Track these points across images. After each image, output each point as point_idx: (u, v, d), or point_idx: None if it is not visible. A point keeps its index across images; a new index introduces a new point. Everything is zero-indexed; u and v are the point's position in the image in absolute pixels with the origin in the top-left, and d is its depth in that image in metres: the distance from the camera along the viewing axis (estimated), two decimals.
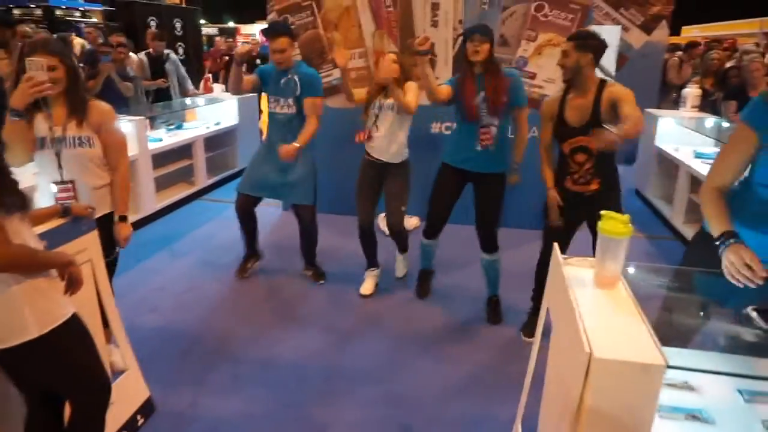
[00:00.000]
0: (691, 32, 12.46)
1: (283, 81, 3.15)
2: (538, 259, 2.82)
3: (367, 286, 3.39)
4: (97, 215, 2.09)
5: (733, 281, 1.39)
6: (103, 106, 2.22)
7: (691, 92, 5.12)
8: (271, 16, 4.46)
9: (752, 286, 1.35)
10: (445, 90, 2.82)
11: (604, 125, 2.39)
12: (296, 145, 3.09)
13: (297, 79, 3.13)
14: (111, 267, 2.31)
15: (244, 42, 9.07)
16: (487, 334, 2.97)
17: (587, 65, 2.45)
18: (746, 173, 1.62)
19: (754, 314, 1.33)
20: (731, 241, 1.45)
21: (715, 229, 1.53)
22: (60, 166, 2.15)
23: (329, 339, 2.88)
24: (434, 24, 4.17)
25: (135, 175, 4.31)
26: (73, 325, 1.55)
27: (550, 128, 2.64)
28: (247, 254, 3.62)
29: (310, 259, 3.59)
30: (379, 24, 4.28)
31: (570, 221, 2.67)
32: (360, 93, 3.22)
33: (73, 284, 1.59)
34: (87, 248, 1.99)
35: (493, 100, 2.75)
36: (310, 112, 3.18)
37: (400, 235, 3.37)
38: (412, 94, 2.97)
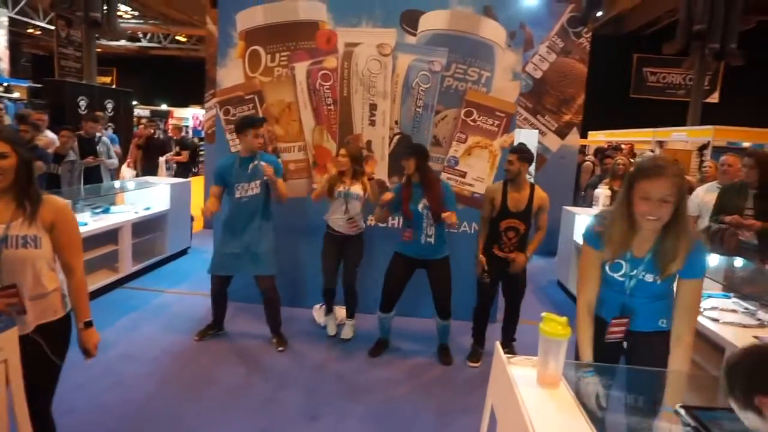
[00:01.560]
0: (597, 137, 13.89)
1: (251, 167, 3.59)
2: (475, 306, 3.76)
3: (332, 327, 4.17)
4: (41, 321, 1.93)
5: None
6: (58, 201, 1.97)
7: (603, 192, 5.63)
8: (209, 104, 4.56)
9: None
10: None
11: (531, 214, 3.52)
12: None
13: (263, 164, 3.56)
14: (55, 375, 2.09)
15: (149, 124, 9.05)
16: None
17: (525, 170, 3.51)
18: None
19: (681, 411, 1.43)
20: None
21: (582, 354, 1.88)
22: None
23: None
24: (372, 123, 4.42)
25: None
26: None
27: (490, 208, 3.57)
28: (212, 323, 3.98)
29: (275, 327, 3.89)
30: (319, 120, 4.47)
31: (494, 278, 3.64)
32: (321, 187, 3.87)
33: None
34: (2, 348, 1.82)
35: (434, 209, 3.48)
36: (281, 185, 3.64)
37: (353, 293, 3.97)
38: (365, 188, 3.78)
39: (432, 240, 3.56)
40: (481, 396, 1.90)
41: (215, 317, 3.99)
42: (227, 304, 3.99)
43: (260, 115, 4.49)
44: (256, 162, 3.60)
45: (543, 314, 1.58)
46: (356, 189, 3.77)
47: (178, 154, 8.34)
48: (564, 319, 1.55)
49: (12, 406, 1.90)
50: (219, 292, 3.88)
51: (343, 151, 3.78)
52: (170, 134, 9.14)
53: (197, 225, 7.18)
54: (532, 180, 3.70)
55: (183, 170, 8.03)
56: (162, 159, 8.10)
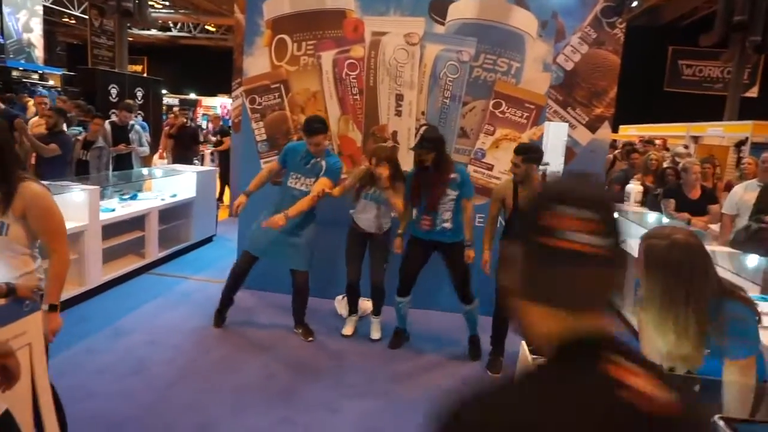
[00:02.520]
0: (628, 131, 13.54)
1: (311, 163, 3.58)
2: (494, 309, 3.53)
3: (348, 328, 3.97)
4: None
5: None
6: (33, 188, 1.97)
7: (634, 188, 5.47)
8: (236, 93, 4.55)
9: None
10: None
11: None
12: (283, 219, 3.39)
13: (323, 164, 3.57)
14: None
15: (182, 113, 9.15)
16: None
17: (532, 171, 3.28)
18: None
19: (721, 423, 1.35)
20: None
21: None
22: None
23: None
24: (398, 113, 4.36)
25: (82, 246, 4.13)
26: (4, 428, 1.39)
27: (498, 208, 3.46)
28: (222, 307, 3.90)
29: (300, 318, 3.86)
30: (344, 110, 4.43)
31: None
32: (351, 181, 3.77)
33: (8, 379, 1.44)
34: (27, 331, 1.83)
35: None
36: (317, 188, 3.49)
37: (380, 291, 3.81)
38: (400, 197, 3.57)
39: (447, 225, 3.49)
40: None
41: (225, 297, 3.89)
42: (240, 286, 3.91)
43: (285, 104, 4.47)
44: (317, 160, 3.58)
45: None
46: (384, 194, 3.62)
47: (219, 143, 8.41)
48: None
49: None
50: (243, 270, 3.79)
51: (383, 166, 3.50)
52: (206, 124, 9.18)
53: (222, 213, 7.24)
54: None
55: (225, 158, 8.04)
56: (207, 151, 8.14)
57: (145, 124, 7.04)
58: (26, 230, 2.00)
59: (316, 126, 3.52)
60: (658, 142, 10.50)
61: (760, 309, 2.89)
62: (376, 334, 3.91)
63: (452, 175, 3.45)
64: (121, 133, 5.99)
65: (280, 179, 3.79)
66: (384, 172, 3.48)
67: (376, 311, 3.96)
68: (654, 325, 1.55)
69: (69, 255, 2.12)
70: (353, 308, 4.02)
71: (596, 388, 0.66)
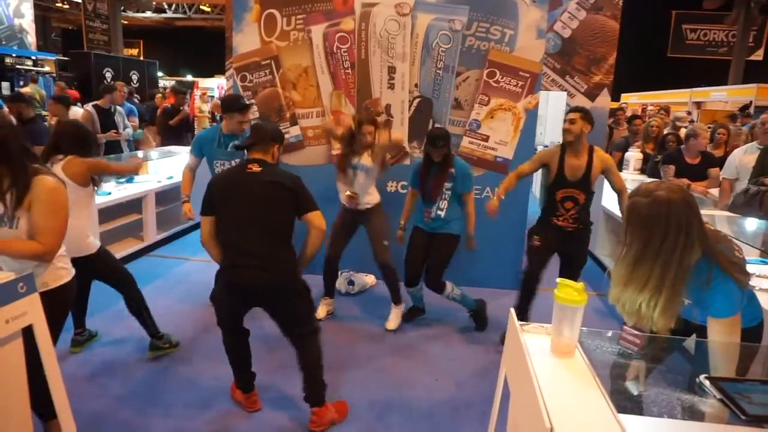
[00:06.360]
0: (630, 99, 13.35)
1: (231, 145, 3.53)
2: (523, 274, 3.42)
3: (320, 311, 3.77)
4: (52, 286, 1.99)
5: None
6: (46, 183, 1.93)
7: (634, 156, 5.41)
8: (229, 73, 4.49)
9: None
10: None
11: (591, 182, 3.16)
12: None
13: None
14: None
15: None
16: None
17: (586, 133, 3.11)
18: None
19: (707, 383, 1.34)
20: None
21: None
22: None
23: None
24: (391, 86, 4.29)
25: None
26: None
27: (533, 168, 3.33)
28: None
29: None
30: (337, 85, 4.36)
31: (551, 245, 3.31)
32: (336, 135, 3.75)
33: None
34: (27, 312, 1.81)
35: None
36: None
37: (389, 270, 3.64)
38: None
39: (442, 213, 3.48)
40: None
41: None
42: None
43: (277, 81, 4.41)
44: (237, 141, 3.50)
45: (558, 280, 1.49)
46: (365, 161, 3.58)
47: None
48: (580, 284, 1.46)
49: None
50: None
51: (369, 125, 3.54)
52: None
53: None
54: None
55: None
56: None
57: (133, 107, 6.85)
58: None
59: (243, 102, 3.59)
60: (651, 109, 10.34)
61: (759, 273, 2.87)
62: (391, 324, 3.69)
63: (450, 170, 3.44)
64: (106, 118, 5.86)
65: None
66: (370, 128, 3.53)
67: (394, 298, 3.74)
68: (623, 279, 1.54)
69: (53, 255, 2.03)
70: (328, 289, 3.89)
71: None
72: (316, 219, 2.47)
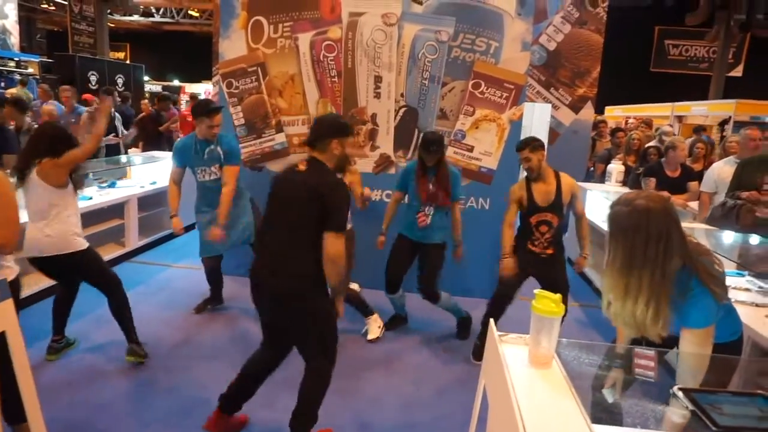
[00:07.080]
0: (614, 111, 13.55)
1: (206, 151, 3.56)
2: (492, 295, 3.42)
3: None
4: None
5: None
6: None
7: (616, 168, 5.48)
8: (216, 79, 4.48)
9: None
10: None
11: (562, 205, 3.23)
12: (219, 230, 3.50)
13: (220, 150, 3.56)
14: None
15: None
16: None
17: (543, 159, 3.18)
18: None
19: (680, 394, 1.35)
20: None
21: None
22: None
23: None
24: (377, 96, 4.31)
25: None
26: None
27: (516, 210, 3.31)
28: (210, 298, 4.00)
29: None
30: (323, 93, 4.38)
31: (525, 269, 3.32)
32: None
33: None
34: None
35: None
36: (228, 179, 3.55)
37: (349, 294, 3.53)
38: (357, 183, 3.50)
39: (428, 219, 3.48)
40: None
41: (212, 292, 4.02)
42: (223, 279, 4.04)
43: (263, 87, 4.41)
44: (211, 147, 3.56)
45: (535, 291, 1.51)
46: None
47: None
48: (557, 296, 1.48)
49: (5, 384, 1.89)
50: (212, 270, 3.92)
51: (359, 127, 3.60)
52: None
53: None
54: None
55: None
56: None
57: (117, 114, 6.78)
58: None
59: (211, 106, 3.58)
60: (632, 122, 10.49)
61: (735, 285, 2.92)
62: (371, 335, 3.65)
63: (446, 171, 3.49)
64: (109, 122, 5.85)
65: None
66: (362, 129, 3.59)
67: (364, 312, 3.70)
68: (609, 288, 1.57)
69: (13, 247, 2.05)
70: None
71: None
72: (328, 242, 2.13)
